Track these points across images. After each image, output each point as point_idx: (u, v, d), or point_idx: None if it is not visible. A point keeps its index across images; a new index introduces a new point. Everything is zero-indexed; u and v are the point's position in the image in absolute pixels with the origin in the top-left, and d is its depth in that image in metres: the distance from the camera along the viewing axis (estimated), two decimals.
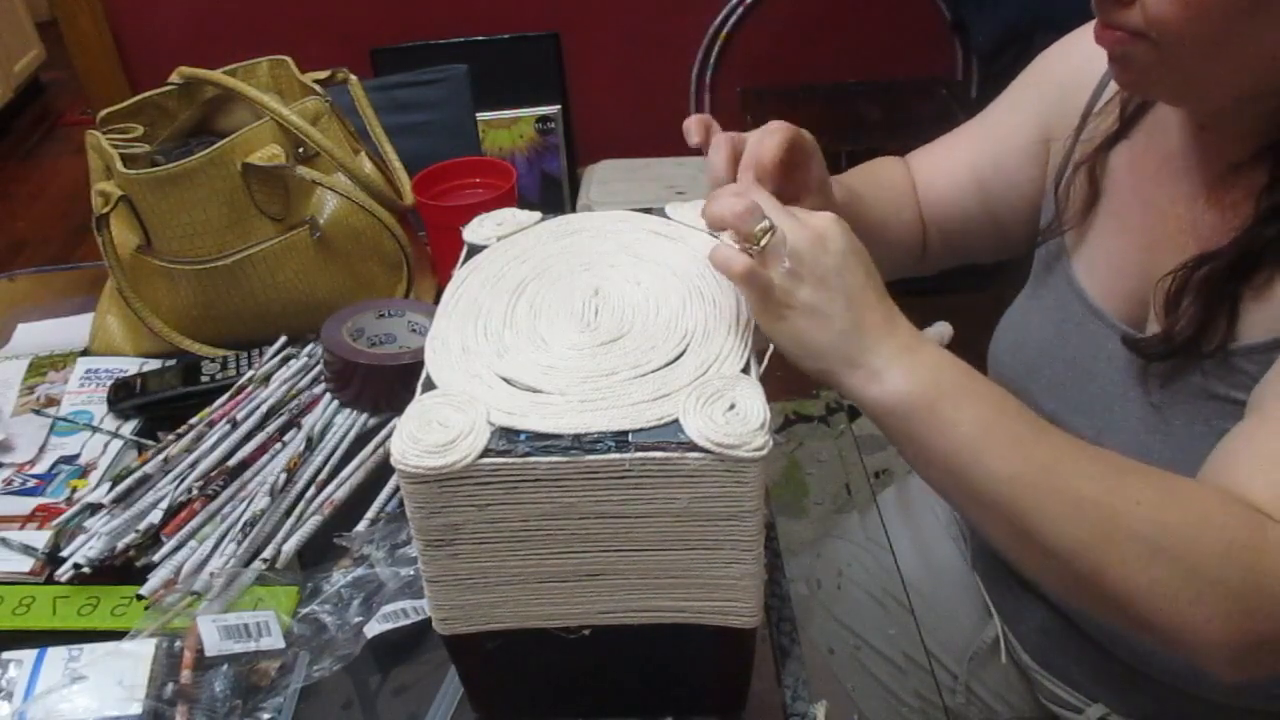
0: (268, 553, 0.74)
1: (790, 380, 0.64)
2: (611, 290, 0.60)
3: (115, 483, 0.78)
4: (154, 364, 0.96)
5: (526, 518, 0.52)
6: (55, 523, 0.77)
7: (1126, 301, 0.72)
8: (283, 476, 0.78)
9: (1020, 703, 0.90)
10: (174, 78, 0.97)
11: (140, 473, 0.79)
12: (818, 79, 2.50)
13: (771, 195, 0.59)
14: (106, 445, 0.87)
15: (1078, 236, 0.76)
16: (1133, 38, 0.58)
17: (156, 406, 0.89)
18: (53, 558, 0.75)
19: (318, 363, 0.89)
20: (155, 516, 0.76)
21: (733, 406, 0.51)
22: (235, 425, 0.83)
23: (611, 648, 0.59)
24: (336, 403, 0.85)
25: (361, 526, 0.75)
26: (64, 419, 0.90)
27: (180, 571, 0.72)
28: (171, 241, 0.91)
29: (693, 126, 0.67)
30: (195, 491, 0.78)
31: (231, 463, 0.80)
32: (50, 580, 0.74)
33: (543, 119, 2.37)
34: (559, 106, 2.37)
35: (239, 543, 0.74)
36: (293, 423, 0.84)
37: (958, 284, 0.97)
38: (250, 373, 0.89)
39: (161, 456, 0.81)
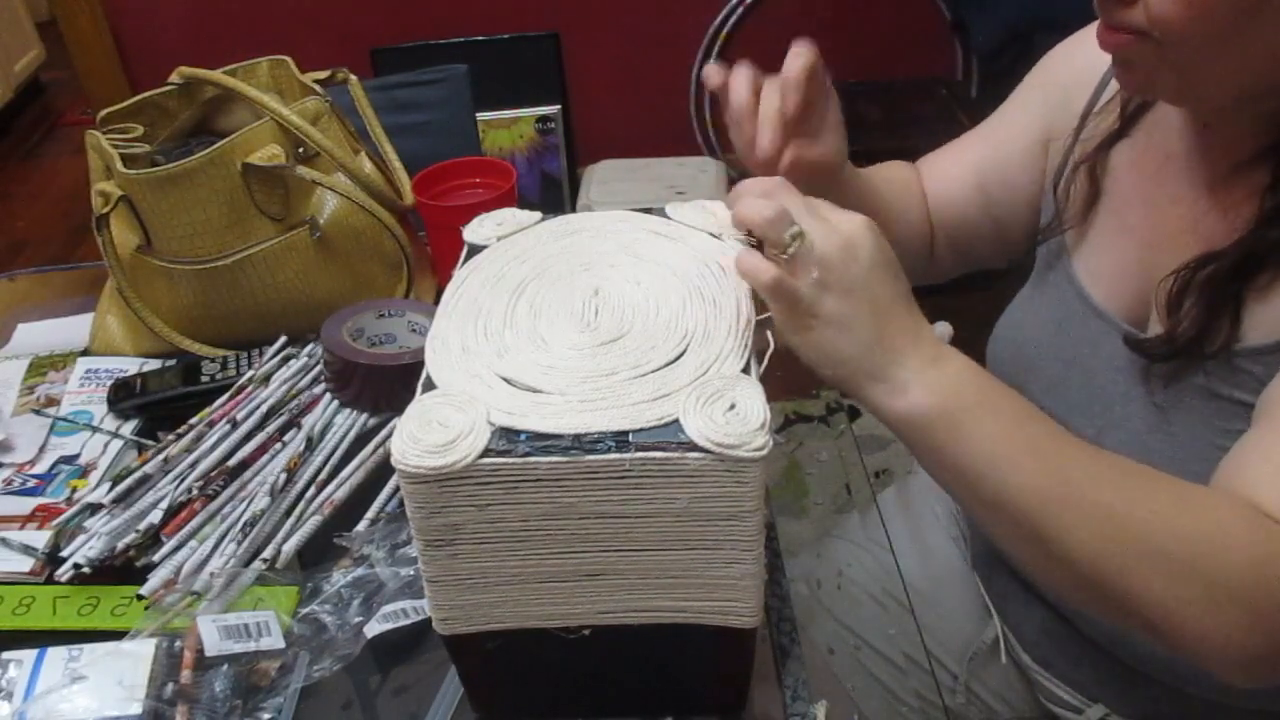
0: (268, 553, 0.74)
1: (790, 380, 0.64)
2: (611, 290, 0.60)
3: (115, 483, 0.78)
4: (154, 364, 0.96)
5: (527, 518, 0.52)
6: (55, 523, 0.77)
7: (1128, 301, 0.72)
8: (283, 476, 0.78)
9: (1020, 703, 0.90)
10: (174, 78, 0.97)
11: (140, 473, 0.79)
12: None
13: (800, 195, 0.58)
14: (106, 445, 0.87)
15: (1079, 236, 0.76)
16: (1135, 39, 0.58)
17: (156, 406, 0.89)
18: (53, 558, 0.75)
19: (318, 363, 0.89)
20: (155, 516, 0.76)
21: (733, 406, 0.51)
22: (235, 425, 0.83)
23: (611, 648, 0.59)
24: (336, 403, 0.85)
25: (361, 526, 0.75)
26: (64, 419, 0.90)
27: (180, 571, 0.72)
28: (171, 241, 0.90)
29: (712, 71, 0.68)
30: (195, 491, 0.78)
31: (231, 463, 0.80)
32: (50, 580, 0.74)
33: (543, 119, 2.36)
34: (559, 106, 2.37)
35: (239, 543, 0.74)
36: (293, 423, 0.84)
37: (958, 284, 0.97)
38: (250, 373, 0.89)
39: (161, 456, 0.81)
